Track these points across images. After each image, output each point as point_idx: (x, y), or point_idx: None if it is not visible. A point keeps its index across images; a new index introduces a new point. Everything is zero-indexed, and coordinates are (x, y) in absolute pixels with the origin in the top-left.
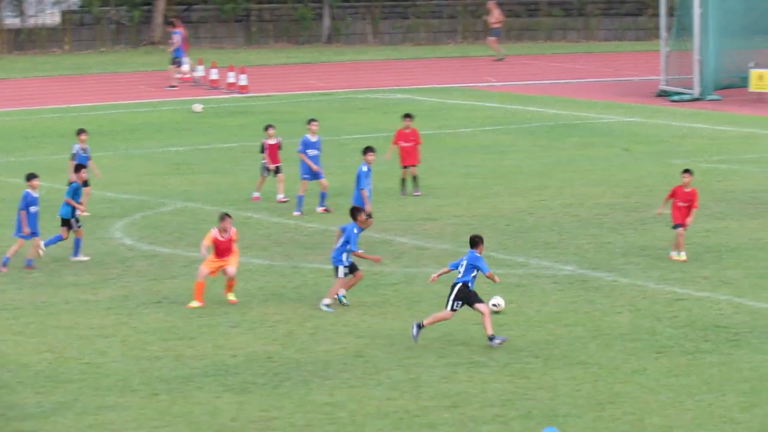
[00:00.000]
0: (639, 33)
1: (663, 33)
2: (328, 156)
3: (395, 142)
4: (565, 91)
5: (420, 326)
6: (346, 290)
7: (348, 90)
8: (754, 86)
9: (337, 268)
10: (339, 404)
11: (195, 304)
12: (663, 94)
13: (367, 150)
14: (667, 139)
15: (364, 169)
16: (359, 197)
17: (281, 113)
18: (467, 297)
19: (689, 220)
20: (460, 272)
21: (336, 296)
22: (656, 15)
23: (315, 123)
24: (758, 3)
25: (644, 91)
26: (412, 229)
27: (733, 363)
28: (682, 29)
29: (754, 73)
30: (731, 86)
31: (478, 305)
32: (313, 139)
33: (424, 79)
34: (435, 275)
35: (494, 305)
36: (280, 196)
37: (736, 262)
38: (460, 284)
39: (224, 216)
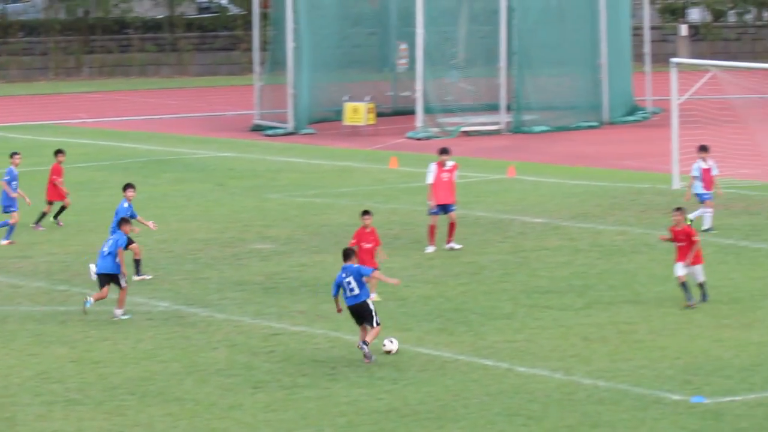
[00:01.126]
0: (233, 68)
1: (256, 67)
2: None
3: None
4: (159, 127)
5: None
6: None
7: None
8: (348, 119)
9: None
10: None
11: None
12: (257, 129)
13: (127, 186)
14: (261, 173)
15: (125, 205)
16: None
17: None
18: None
19: (382, 257)
20: (354, 291)
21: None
22: (250, 50)
23: (18, 156)
24: (351, 37)
25: (239, 126)
26: (6, 267)
27: (330, 397)
28: (275, 63)
29: (348, 106)
30: (326, 120)
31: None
32: (16, 171)
33: (16, 117)
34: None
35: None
36: None
37: (331, 296)
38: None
39: None
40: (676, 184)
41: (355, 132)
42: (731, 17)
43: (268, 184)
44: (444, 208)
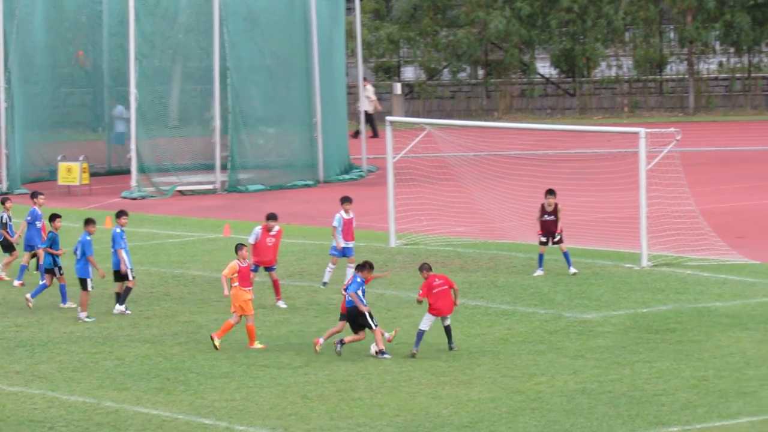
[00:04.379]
0: None
1: None
2: None
3: None
4: None
5: (342, 342)
6: None
7: None
8: (62, 179)
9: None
10: None
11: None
12: None
13: (120, 214)
14: None
15: (118, 230)
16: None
17: None
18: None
19: None
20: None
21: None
22: None
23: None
24: (65, 98)
25: None
26: None
27: None
28: None
29: (63, 166)
30: (40, 180)
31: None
32: None
33: None
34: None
35: None
36: None
37: (49, 356)
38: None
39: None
40: (393, 242)
41: (70, 192)
42: (445, 75)
43: None
44: (266, 268)
